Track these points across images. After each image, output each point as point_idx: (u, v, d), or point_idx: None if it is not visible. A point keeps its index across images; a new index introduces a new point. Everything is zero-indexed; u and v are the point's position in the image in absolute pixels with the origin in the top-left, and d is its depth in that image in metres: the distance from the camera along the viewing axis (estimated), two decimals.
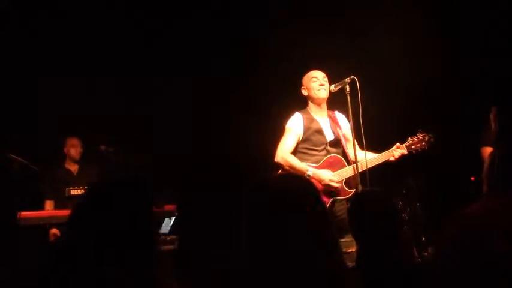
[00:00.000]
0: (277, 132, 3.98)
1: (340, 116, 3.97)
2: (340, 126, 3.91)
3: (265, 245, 1.38)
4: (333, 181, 3.67)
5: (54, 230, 4.38)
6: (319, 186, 3.66)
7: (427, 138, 3.80)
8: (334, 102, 3.97)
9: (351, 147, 3.78)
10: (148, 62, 5.26)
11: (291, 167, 3.74)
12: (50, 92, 4.96)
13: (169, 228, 4.44)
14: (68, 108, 5.01)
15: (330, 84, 3.85)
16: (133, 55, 5.21)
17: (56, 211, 4.41)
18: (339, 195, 3.71)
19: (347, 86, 3.65)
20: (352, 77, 3.64)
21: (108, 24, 5.12)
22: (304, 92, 3.94)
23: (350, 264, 3.27)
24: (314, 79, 3.88)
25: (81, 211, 1.37)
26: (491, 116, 4.16)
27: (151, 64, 5.29)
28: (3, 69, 4.87)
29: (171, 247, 4.29)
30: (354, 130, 3.68)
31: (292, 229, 1.38)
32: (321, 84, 3.85)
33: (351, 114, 3.62)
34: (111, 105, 5.19)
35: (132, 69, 5.20)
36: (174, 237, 4.35)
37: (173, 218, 4.44)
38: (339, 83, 3.74)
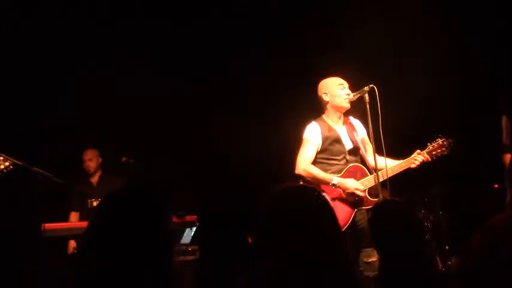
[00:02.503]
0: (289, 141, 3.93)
1: (355, 122, 3.86)
2: (358, 132, 3.80)
3: (284, 253, 1.40)
4: (358, 189, 3.57)
5: (73, 243, 4.48)
6: (344, 196, 3.60)
7: (446, 143, 3.71)
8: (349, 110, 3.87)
9: (370, 153, 3.67)
10: (151, 64, 5.23)
11: (314, 178, 3.61)
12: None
13: (190, 238, 4.47)
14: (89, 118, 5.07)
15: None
16: (135, 56, 5.18)
17: (80, 223, 4.49)
18: (363, 204, 3.61)
19: (366, 95, 3.56)
20: (371, 85, 3.54)
21: (108, 26, 5.13)
22: (326, 98, 3.75)
23: (371, 273, 3.26)
24: (341, 86, 3.73)
25: (97, 219, 1.42)
26: (503, 124, 4.12)
27: (154, 66, 5.25)
28: (23, 80, 4.95)
29: (192, 257, 4.31)
30: (373, 139, 3.57)
31: (309, 237, 1.40)
32: (348, 94, 3.69)
33: (370, 124, 3.51)
34: (124, 111, 5.19)
35: (134, 71, 5.16)
36: (195, 247, 4.37)
37: (194, 229, 4.46)
38: (357, 92, 3.64)
